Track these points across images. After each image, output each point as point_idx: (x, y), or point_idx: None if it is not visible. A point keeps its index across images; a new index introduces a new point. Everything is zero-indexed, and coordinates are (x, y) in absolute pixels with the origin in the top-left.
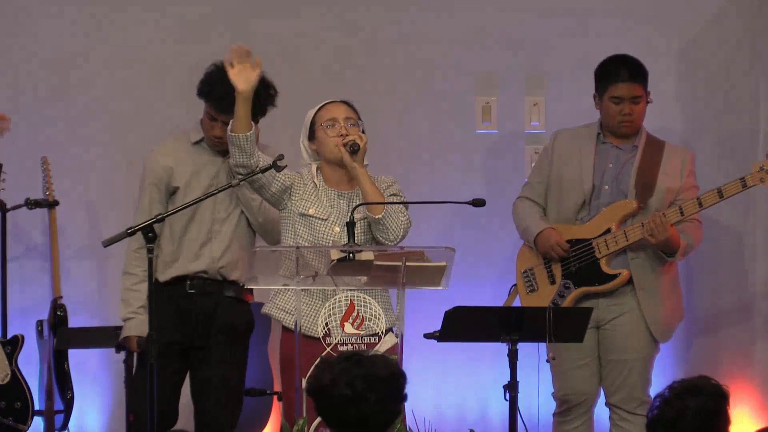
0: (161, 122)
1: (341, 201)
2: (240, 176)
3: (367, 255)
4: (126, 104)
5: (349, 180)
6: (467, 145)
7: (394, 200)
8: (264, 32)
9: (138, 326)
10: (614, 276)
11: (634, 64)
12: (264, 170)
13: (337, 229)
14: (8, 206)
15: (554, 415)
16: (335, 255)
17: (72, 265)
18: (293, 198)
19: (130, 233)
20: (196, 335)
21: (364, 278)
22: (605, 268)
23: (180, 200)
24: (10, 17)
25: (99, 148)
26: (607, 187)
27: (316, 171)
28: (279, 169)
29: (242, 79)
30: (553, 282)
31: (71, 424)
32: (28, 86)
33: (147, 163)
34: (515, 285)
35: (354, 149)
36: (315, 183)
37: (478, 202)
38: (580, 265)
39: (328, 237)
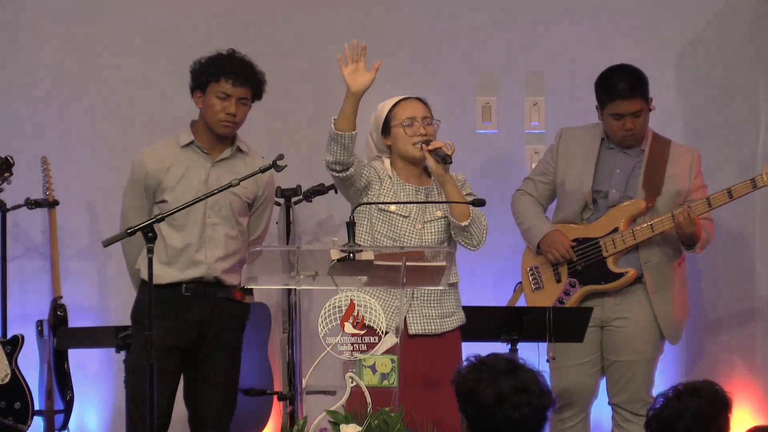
0: (161, 122)
1: (419, 197)
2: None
3: (367, 255)
4: (126, 104)
5: (420, 174)
6: (467, 145)
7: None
8: (263, 31)
9: None
10: (621, 275)
11: (633, 79)
12: (264, 170)
13: (419, 226)
14: (8, 206)
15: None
16: (335, 255)
17: (72, 265)
18: (370, 193)
19: (130, 233)
20: (192, 338)
21: (364, 278)
22: (612, 267)
23: (170, 204)
24: (10, 17)
25: (99, 148)
26: (614, 190)
27: (390, 165)
28: (279, 168)
29: (355, 80)
30: (558, 280)
31: (71, 424)
32: (28, 86)
33: (135, 165)
34: (520, 283)
35: (447, 161)
36: (390, 177)
37: (478, 202)
38: (586, 263)
39: (411, 234)
